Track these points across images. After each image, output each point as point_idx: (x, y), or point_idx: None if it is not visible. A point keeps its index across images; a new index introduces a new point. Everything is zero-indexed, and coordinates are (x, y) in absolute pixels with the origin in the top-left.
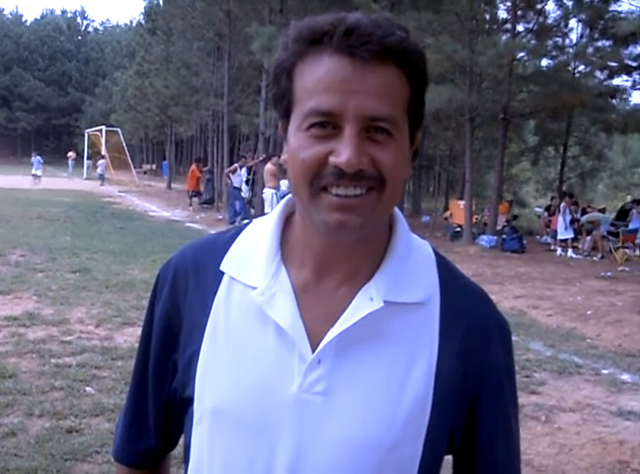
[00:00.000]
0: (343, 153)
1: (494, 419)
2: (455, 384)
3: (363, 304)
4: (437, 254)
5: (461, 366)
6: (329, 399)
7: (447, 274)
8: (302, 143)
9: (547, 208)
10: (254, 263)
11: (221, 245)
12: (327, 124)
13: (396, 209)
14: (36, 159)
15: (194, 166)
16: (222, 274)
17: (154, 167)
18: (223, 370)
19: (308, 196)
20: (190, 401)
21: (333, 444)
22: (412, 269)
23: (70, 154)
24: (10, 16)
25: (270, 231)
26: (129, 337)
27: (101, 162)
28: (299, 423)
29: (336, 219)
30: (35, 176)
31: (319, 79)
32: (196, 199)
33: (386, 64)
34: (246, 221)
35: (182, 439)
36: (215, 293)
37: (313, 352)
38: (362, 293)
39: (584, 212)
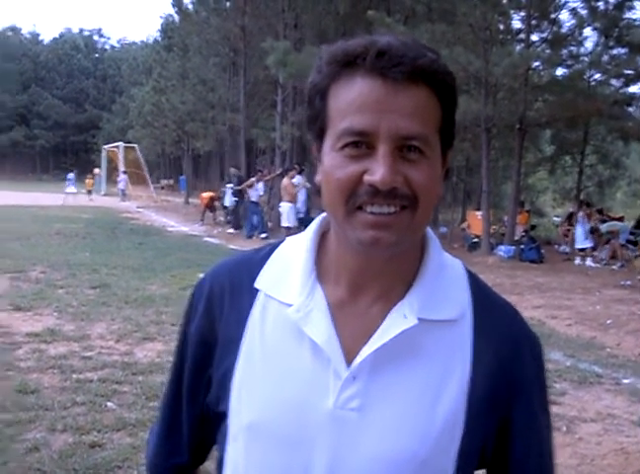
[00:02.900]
0: (377, 172)
1: (526, 433)
2: (487, 399)
3: (397, 321)
4: (468, 272)
5: (493, 382)
6: (364, 415)
7: (479, 291)
8: (337, 163)
9: (569, 218)
10: (289, 280)
11: (256, 262)
12: (361, 144)
13: (428, 229)
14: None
15: (205, 196)
16: (257, 291)
17: (171, 182)
18: (259, 386)
19: (344, 214)
20: (223, 416)
21: (367, 460)
22: (444, 286)
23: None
24: (28, 35)
25: (305, 249)
26: (149, 352)
27: (121, 178)
28: (334, 439)
29: (371, 236)
30: (68, 194)
31: (352, 100)
32: (211, 215)
33: (418, 85)
34: (264, 235)
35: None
36: (251, 310)
37: (348, 368)
38: (396, 311)
39: (604, 222)
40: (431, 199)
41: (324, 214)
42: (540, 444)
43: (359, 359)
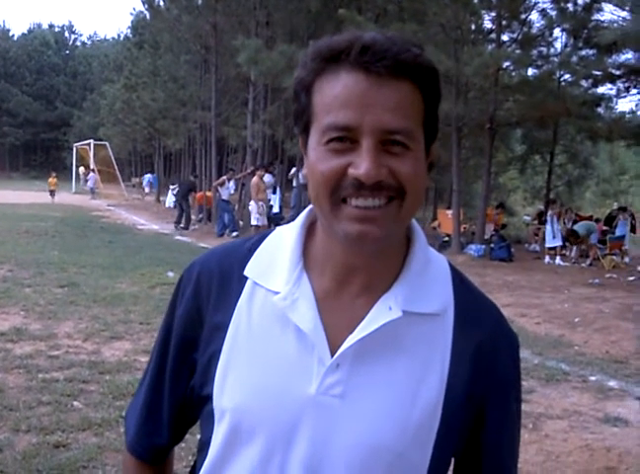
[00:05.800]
0: (361, 165)
1: (498, 428)
2: (464, 394)
3: (382, 313)
4: (452, 268)
5: (471, 377)
6: (345, 402)
7: (462, 287)
8: (322, 157)
9: (539, 216)
10: (277, 269)
11: (245, 251)
12: (345, 139)
13: (414, 222)
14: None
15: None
16: (246, 278)
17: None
18: (244, 371)
19: (329, 207)
20: (207, 399)
21: (346, 446)
22: (429, 281)
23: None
24: None
25: (293, 239)
26: (117, 351)
27: (90, 175)
28: (316, 424)
29: (357, 230)
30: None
31: (336, 95)
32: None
33: (401, 79)
34: (235, 233)
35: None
36: (239, 297)
37: (332, 356)
38: (381, 302)
39: (575, 221)
40: (418, 190)
41: (312, 206)
42: (511, 437)
43: (343, 348)
